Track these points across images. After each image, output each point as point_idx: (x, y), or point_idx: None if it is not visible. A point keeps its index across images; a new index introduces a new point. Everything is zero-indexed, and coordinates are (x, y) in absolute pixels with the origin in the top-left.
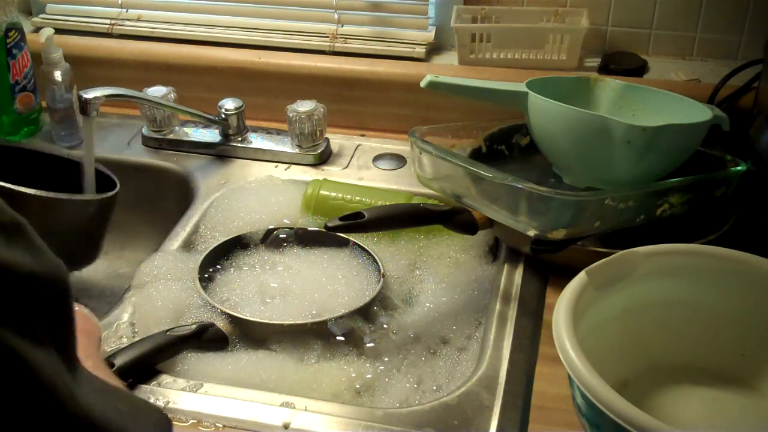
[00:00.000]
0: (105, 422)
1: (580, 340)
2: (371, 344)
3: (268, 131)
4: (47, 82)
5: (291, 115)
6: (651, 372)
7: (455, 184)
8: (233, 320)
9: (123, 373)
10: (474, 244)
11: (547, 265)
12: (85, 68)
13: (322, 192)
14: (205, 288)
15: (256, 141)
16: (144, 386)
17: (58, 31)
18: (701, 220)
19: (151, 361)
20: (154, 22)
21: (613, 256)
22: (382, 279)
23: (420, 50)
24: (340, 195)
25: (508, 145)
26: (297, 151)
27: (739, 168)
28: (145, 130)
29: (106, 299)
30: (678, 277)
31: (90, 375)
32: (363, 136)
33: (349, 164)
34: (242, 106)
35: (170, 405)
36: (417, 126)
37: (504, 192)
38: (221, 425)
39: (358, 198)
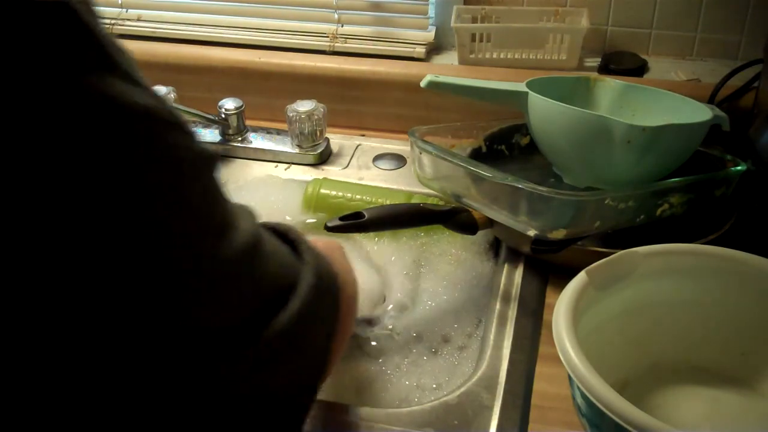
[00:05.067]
0: None
1: (580, 340)
2: (373, 343)
3: (268, 131)
4: None
5: (291, 115)
6: (651, 372)
7: (455, 184)
8: None
9: None
10: (475, 241)
11: (547, 265)
12: None
13: (322, 191)
14: None
15: (256, 141)
16: None
17: None
18: (701, 220)
19: None
20: (155, 22)
21: (613, 256)
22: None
23: (420, 50)
24: (340, 194)
25: (508, 145)
26: (297, 151)
27: (739, 168)
28: None
29: None
30: (678, 277)
31: None
32: (363, 136)
33: (349, 164)
34: (242, 106)
35: None
36: (417, 126)
37: (504, 192)
38: None
39: (358, 197)
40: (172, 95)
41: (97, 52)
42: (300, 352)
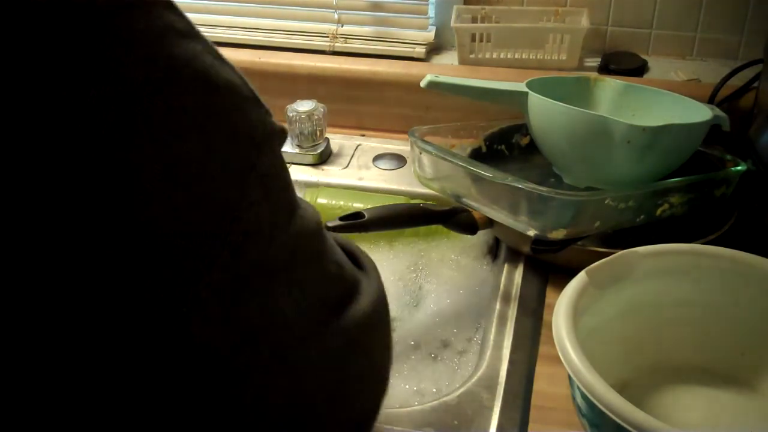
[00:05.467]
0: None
1: (580, 340)
2: None
3: None
4: None
5: (291, 115)
6: (651, 372)
7: (455, 184)
8: None
9: None
10: (474, 245)
11: (547, 265)
12: None
13: (319, 200)
14: None
15: None
16: None
17: None
18: (701, 220)
19: None
20: None
21: (613, 256)
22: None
23: (420, 50)
24: (339, 202)
25: (508, 145)
26: (297, 151)
27: (739, 168)
28: None
29: None
30: (678, 277)
31: None
32: (363, 136)
33: (349, 164)
34: None
35: None
36: (417, 126)
37: (504, 192)
38: None
39: (357, 204)
40: None
41: (188, 24)
42: (367, 351)
